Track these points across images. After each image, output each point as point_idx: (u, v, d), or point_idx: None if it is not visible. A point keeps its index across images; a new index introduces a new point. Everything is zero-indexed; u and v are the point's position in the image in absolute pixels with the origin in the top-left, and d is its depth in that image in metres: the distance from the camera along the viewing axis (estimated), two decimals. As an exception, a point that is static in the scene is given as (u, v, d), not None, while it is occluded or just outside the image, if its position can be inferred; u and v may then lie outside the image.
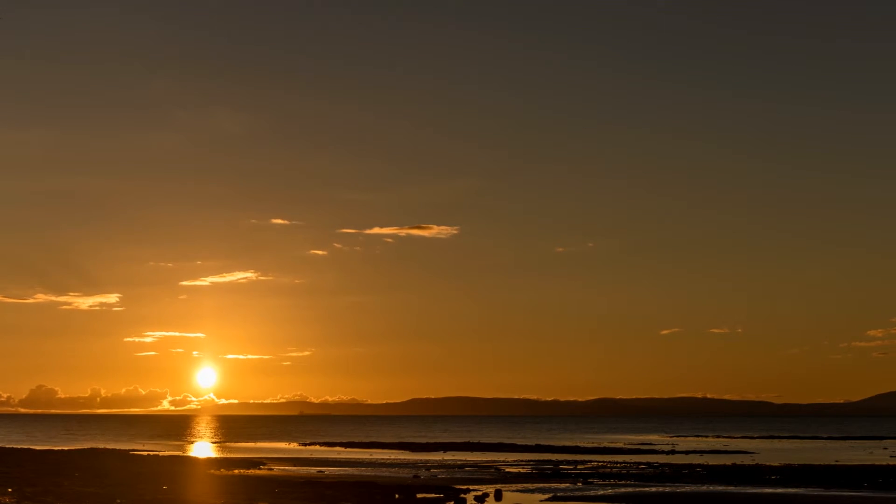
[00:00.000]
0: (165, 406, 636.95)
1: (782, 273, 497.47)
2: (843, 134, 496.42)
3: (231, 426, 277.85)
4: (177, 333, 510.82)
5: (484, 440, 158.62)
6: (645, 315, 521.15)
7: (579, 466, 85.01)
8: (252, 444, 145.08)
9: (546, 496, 56.08)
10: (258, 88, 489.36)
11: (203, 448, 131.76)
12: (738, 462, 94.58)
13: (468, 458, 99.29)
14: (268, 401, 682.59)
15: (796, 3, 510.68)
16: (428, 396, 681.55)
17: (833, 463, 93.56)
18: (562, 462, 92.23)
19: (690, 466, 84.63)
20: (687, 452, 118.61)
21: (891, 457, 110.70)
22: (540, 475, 73.01)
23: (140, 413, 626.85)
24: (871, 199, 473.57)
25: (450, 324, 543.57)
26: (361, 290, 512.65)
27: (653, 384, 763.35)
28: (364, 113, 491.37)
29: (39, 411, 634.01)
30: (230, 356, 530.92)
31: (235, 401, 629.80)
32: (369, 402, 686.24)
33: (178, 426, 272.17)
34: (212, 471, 72.92)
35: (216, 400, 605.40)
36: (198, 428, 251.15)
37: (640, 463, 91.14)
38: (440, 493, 54.73)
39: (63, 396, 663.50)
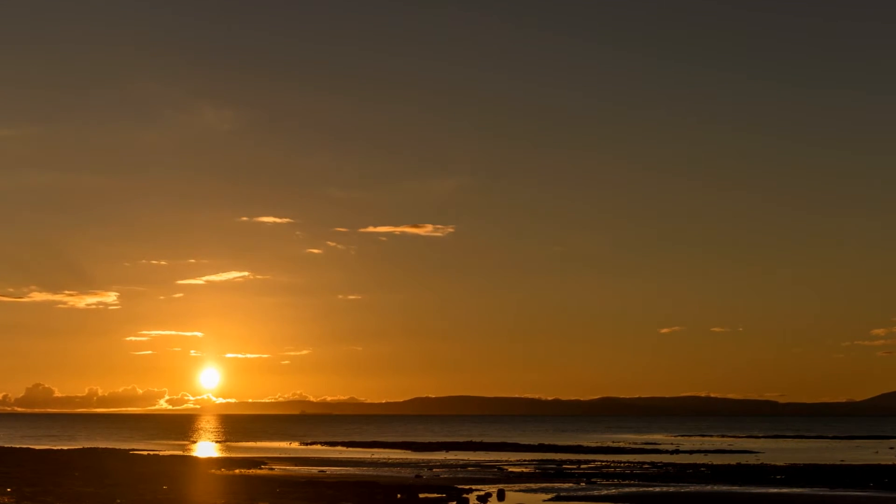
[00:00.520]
0: (163, 405, 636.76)
1: (783, 271, 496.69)
2: (842, 132, 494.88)
3: (231, 425, 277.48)
4: (174, 332, 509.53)
5: (486, 440, 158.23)
6: (645, 313, 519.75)
7: (583, 466, 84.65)
8: (253, 444, 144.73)
9: (549, 496, 55.71)
10: (249, 85, 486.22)
11: (203, 447, 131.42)
12: (743, 462, 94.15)
13: (471, 458, 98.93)
14: (266, 400, 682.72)
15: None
16: (429, 395, 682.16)
17: (839, 462, 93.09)
18: (565, 462, 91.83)
19: (695, 466, 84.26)
20: (691, 452, 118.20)
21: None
22: (543, 475, 72.67)
23: (137, 412, 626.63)
24: (873, 197, 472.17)
25: (451, 323, 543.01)
26: (358, 289, 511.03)
27: (656, 383, 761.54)
28: (357, 110, 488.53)
29: (36, 410, 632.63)
30: (229, 355, 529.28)
31: (234, 400, 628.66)
32: (370, 401, 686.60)
33: (178, 426, 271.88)
34: (212, 470, 72.60)
35: (214, 399, 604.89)
36: (198, 427, 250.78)
37: (643, 462, 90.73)
38: (442, 493, 54.45)
39: (60, 395, 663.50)
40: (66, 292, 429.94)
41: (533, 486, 62.63)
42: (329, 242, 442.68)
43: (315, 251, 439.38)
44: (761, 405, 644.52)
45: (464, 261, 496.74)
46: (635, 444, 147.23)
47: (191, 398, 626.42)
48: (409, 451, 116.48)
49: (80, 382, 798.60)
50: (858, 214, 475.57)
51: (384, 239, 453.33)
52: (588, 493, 57.83)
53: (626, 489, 60.18)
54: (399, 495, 51.99)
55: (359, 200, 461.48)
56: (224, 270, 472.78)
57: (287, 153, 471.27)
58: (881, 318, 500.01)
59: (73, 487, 53.88)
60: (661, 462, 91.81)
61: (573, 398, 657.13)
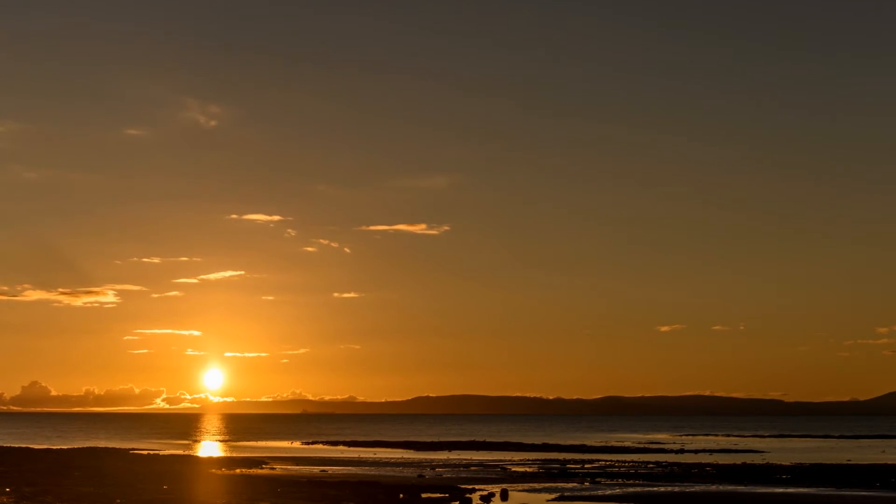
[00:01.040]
0: (160, 405, 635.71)
1: (785, 270, 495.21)
2: (843, 129, 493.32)
3: (231, 425, 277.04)
4: (171, 331, 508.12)
5: (490, 439, 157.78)
6: (648, 311, 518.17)
7: (587, 466, 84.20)
8: (254, 443, 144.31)
9: (553, 496, 55.28)
10: (235, 81, 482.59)
11: (204, 447, 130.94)
12: (749, 461, 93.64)
13: (473, 458, 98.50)
14: (264, 399, 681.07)
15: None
16: (431, 395, 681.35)
17: (845, 462, 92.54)
18: (569, 461, 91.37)
19: (700, 466, 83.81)
20: (696, 451, 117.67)
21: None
22: (547, 474, 72.22)
23: (134, 412, 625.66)
24: (878, 195, 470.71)
25: (451, 321, 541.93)
26: (354, 287, 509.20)
27: (659, 382, 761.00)
28: (347, 106, 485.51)
29: (32, 409, 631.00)
30: (228, 354, 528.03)
31: (232, 399, 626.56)
32: (369, 400, 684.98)
33: (176, 425, 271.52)
34: (213, 470, 72.17)
35: (211, 398, 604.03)
36: (197, 427, 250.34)
37: (648, 462, 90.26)
38: (445, 493, 54.08)
39: (56, 394, 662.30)
40: (60, 290, 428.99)
41: (536, 485, 62.20)
42: (322, 240, 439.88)
43: (309, 249, 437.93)
44: (766, 404, 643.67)
45: (462, 259, 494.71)
46: (640, 443, 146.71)
47: (188, 397, 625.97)
48: (412, 451, 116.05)
49: (76, 381, 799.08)
50: (862, 212, 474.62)
51: (378, 237, 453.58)
52: (592, 492, 57.39)
53: (631, 489, 59.76)
54: (401, 495, 51.59)
55: (350, 198, 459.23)
56: (217, 268, 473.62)
57: (274, 150, 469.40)
58: (886, 316, 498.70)
59: (72, 487, 53.48)
60: (665, 462, 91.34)
61: (577, 397, 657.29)
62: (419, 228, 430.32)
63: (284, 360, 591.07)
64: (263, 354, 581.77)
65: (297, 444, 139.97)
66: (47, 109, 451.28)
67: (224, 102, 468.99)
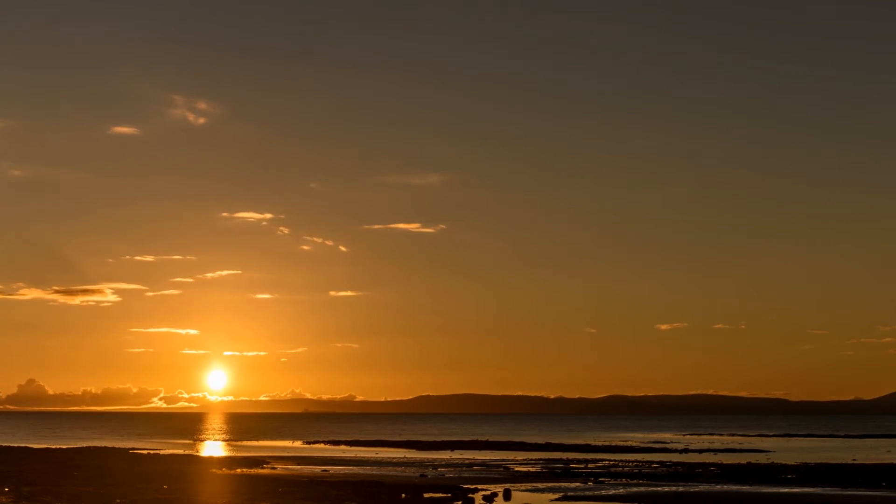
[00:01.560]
0: (157, 404, 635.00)
1: (787, 268, 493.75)
2: (847, 126, 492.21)
3: (230, 424, 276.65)
4: (168, 329, 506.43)
5: (492, 438, 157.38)
6: (648, 310, 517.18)
7: (590, 465, 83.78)
8: (254, 443, 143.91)
9: (556, 496, 54.88)
10: (225, 78, 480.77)
11: (204, 446, 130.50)
12: (754, 461, 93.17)
13: (476, 457, 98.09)
14: (263, 398, 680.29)
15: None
16: (433, 394, 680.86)
17: (851, 462, 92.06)
18: (572, 461, 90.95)
19: (704, 465, 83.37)
20: (700, 451, 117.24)
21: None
22: (550, 474, 71.82)
23: (132, 410, 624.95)
24: (883, 191, 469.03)
25: (451, 320, 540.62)
26: (350, 286, 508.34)
27: (664, 381, 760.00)
28: (338, 102, 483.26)
29: (28, 409, 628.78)
30: (228, 353, 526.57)
31: (231, 398, 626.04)
32: (369, 399, 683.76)
33: (175, 424, 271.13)
34: (214, 470, 71.78)
35: (209, 397, 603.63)
36: (197, 426, 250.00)
37: (652, 462, 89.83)
38: (448, 493, 53.71)
39: (52, 393, 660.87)
40: (55, 288, 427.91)
41: (540, 485, 61.80)
42: (316, 239, 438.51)
43: (304, 248, 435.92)
44: (771, 403, 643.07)
45: (461, 257, 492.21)
46: (644, 442, 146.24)
47: (185, 396, 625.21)
48: (414, 450, 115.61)
49: (73, 380, 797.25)
50: (867, 209, 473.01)
51: (374, 235, 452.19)
52: (596, 492, 56.99)
53: (635, 489, 59.36)
54: (403, 495, 51.22)
55: (343, 196, 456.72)
56: (212, 266, 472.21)
57: (263, 147, 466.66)
58: (888, 315, 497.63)
59: (71, 487, 53.15)
60: (670, 461, 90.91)
61: (579, 396, 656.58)
62: (415, 227, 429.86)
63: (283, 359, 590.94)
64: (262, 353, 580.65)
65: (298, 444, 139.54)
66: (32, 106, 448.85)
67: (212, 99, 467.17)
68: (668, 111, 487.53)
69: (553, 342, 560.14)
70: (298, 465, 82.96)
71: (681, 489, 59.55)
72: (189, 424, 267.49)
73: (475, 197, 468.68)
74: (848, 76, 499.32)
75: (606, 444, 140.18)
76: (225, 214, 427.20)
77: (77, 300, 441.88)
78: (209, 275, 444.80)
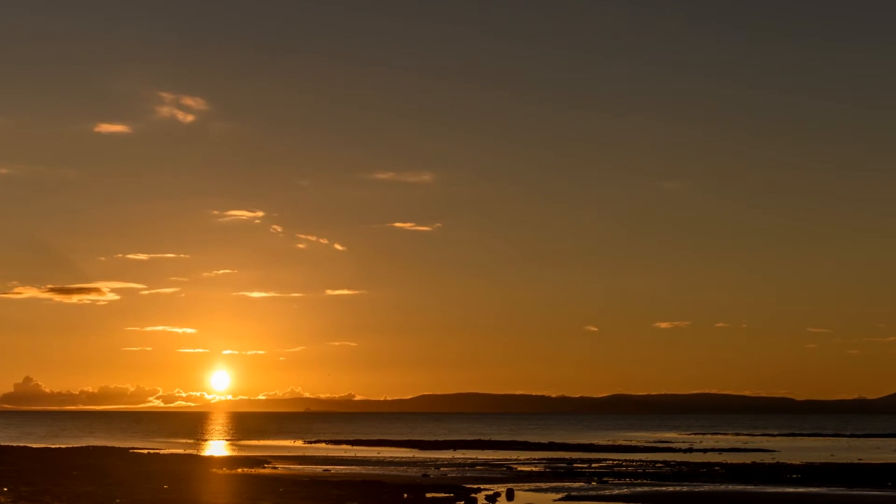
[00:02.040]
0: (154, 403, 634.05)
1: (789, 266, 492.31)
2: (851, 124, 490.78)
3: (230, 423, 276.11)
4: (165, 328, 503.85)
5: (495, 438, 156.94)
6: (649, 308, 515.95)
7: (594, 465, 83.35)
8: (255, 442, 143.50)
9: (560, 495, 54.46)
10: (213, 76, 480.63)
11: (205, 446, 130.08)
12: (759, 461, 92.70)
13: (479, 457, 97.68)
14: (261, 397, 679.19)
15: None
16: (436, 393, 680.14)
17: (856, 461, 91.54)
18: (576, 460, 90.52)
19: (709, 465, 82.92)
20: (705, 450, 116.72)
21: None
22: (553, 474, 71.39)
23: (129, 409, 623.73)
24: (887, 189, 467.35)
25: (451, 319, 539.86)
26: (346, 285, 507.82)
27: (666, 380, 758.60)
28: (331, 100, 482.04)
29: (24, 408, 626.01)
30: (227, 352, 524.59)
31: (230, 397, 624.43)
32: (369, 398, 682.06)
33: (175, 423, 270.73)
34: (214, 469, 71.42)
35: (207, 396, 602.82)
36: (197, 425, 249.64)
37: (656, 461, 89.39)
38: (450, 493, 53.33)
39: (49, 392, 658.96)
40: (49, 286, 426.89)
41: (543, 485, 61.39)
42: (310, 237, 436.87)
43: (300, 246, 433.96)
44: (776, 402, 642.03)
45: (459, 255, 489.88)
46: (648, 442, 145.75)
47: (183, 395, 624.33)
48: (416, 450, 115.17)
49: (69, 379, 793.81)
50: (871, 208, 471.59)
51: (369, 233, 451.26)
52: (599, 492, 56.59)
53: (639, 488, 58.94)
54: (406, 495, 50.85)
55: (335, 194, 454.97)
56: (207, 264, 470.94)
57: (251, 145, 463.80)
58: (894, 314, 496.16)
59: (71, 487, 52.76)
60: (674, 461, 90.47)
61: (581, 395, 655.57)
62: (410, 225, 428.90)
63: (281, 358, 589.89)
64: (261, 352, 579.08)
65: (299, 443, 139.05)
66: (19, 104, 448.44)
67: (200, 96, 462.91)
68: (668, 107, 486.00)
69: (554, 341, 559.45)
70: (300, 464, 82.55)
71: (685, 489, 59.15)
72: (188, 424, 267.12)
73: (471, 195, 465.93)
74: (854, 72, 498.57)
75: (610, 443, 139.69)
76: (215, 212, 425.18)
77: (73, 299, 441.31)
78: (204, 273, 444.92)
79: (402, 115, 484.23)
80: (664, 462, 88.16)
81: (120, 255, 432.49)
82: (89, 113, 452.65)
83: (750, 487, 60.59)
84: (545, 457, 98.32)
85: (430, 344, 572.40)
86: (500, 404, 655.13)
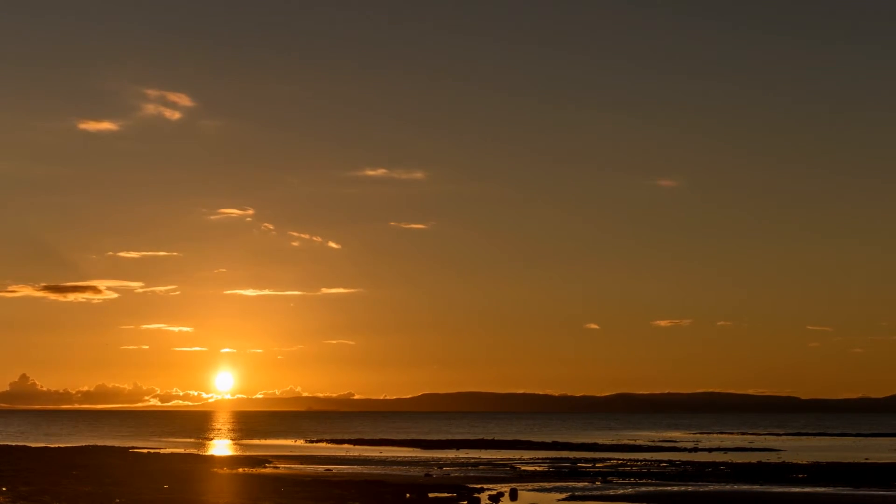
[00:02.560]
0: (152, 402, 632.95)
1: (789, 264, 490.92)
2: (851, 122, 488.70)
3: (230, 422, 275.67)
4: (161, 327, 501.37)
5: (498, 437, 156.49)
6: (650, 307, 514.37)
7: (598, 464, 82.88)
8: (256, 441, 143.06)
9: (563, 495, 54.03)
10: (201, 72, 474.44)
11: (205, 445, 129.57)
12: (764, 460, 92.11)
13: (482, 456, 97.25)
14: (259, 396, 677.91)
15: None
16: (436, 392, 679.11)
17: (863, 461, 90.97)
18: (580, 460, 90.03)
19: (714, 465, 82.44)
20: (710, 450, 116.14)
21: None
22: (557, 473, 70.93)
23: (126, 408, 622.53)
24: (890, 188, 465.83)
25: (451, 318, 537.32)
26: (342, 283, 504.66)
27: (669, 379, 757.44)
28: (319, 97, 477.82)
29: (19, 407, 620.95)
30: (225, 350, 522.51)
31: (228, 396, 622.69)
32: (368, 396, 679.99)
33: (174, 423, 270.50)
34: (215, 469, 71.05)
35: (204, 395, 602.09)
36: (196, 424, 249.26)
37: (661, 461, 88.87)
38: (453, 493, 52.99)
39: (45, 391, 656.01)
40: (43, 284, 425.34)
41: (546, 485, 60.95)
42: (303, 235, 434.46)
43: (293, 244, 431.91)
44: (781, 401, 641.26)
45: (457, 253, 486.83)
46: (652, 441, 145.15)
47: (180, 394, 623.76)
48: (418, 449, 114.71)
49: (65, 378, 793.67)
50: (874, 206, 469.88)
51: (364, 231, 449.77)
52: (604, 492, 56.16)
53: (643, 488, 58.48)
54: (408, 495, 50.48)
55: (328, 192, 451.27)
56: (199, 262, 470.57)
57: (239, 142, 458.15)
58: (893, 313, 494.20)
59: (70, 486, 52.40)
60: (679, 460, 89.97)
61: (584, 394, 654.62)
62: (404, 223, 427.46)
63: (280, 357, 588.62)
64: (258, 351, 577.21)
65: (300, 443, 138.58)
66: (5, 102, 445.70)
67: (186, 93, 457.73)
68: (668, 106, 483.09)
69: (555, 339, 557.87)
70: (301, 464, 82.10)
71: (690, 489, 58.71)
72: (187, 423, 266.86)
73: (466, 193, 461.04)
74: (853, 71, 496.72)
75: (614, 442, 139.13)
76: (204, 210, 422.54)
77: (68, 297, 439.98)
78: (198, 271, 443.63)
79: (394, 112, 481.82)
80: (669, 461, 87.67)
81: (111, 254, 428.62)
82: (76, 110, 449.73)
83: (756, 487, 60.09)
84: (548, 456, 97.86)
85: (430, 342, 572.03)
86: (502, 403, 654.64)
